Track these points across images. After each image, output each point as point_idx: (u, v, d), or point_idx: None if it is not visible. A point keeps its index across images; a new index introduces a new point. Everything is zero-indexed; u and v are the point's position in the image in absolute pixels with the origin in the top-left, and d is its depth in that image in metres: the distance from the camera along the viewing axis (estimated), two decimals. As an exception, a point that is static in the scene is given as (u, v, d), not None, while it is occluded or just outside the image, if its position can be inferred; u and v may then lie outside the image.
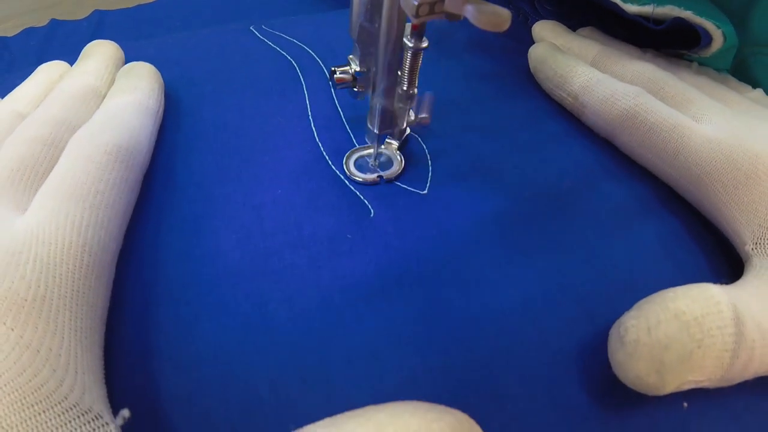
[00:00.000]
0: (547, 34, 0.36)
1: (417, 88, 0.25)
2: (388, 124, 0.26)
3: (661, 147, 0.25)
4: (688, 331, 0.17)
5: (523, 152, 0.29)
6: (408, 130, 0.29)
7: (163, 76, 0.32)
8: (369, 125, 0.27)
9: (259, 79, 0.34)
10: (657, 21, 0.30)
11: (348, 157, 0.28)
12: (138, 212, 0.25)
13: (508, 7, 0.40)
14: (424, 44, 0.23)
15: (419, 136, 0.29)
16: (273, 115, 0.31)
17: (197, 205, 0.25)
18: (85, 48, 0.32)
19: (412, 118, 0.27)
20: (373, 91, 0.26)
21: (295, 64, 0.35)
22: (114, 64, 0.31)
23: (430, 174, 0.27)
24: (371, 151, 0.28)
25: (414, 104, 0.26)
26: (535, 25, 0.37)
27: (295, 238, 0.24)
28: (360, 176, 0.27)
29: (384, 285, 0.22)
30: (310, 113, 0.31)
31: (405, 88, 0.25)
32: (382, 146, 0.29)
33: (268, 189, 0.26)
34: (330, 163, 0.28)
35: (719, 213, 0.24)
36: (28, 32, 0.48)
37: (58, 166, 0.22)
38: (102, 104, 0.27)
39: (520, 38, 0.39)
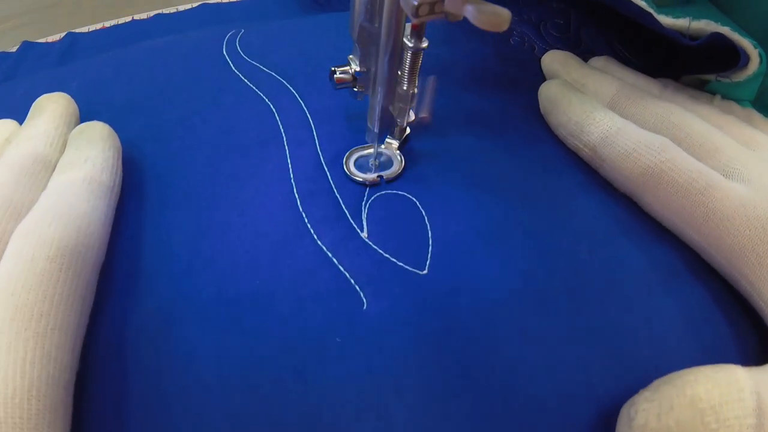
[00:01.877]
0: (558, 67, 0.32)
1: (416, 87, 0.25)
2: (388, 123, 0.26)
3: (689, 211, 0.23)
4: (702, 419, 0.16)
5: (534, 211, 0.25)
6: (408, 130, 0.29)
7: (124, 131, 0.28)
8: (369, 124, 0.27)
9: (235, 130, 0.29)
10: (692, 36, 0.27)
11: (348, 157, 0.28)
12: (96, 316, 0.21)
13: (512, 35, 0.37)
14: (424, 44, 0.23)
15: (417, 199, 0.26)
16: (250, 178, 0.27)
17: (164, 301, 0.22)
18: (35, 103, 0.28)
19: (412, 117, 0.27)
20: (373, 90, 0.26)
21: (273, 109, 0.30)
22: (66, 123, 0.27)
23: (430, 249, 0.23)
24: (371, 150, 0.28)
25: (414, 103, 0.26)
26: (544, 57, 0.34)
27: (278, 344, 0.20)
28: (360, 176, 0.27)
29: (379, 397, 0.19)
30: (291, 174, 0.27)
31: (405, 88, 0.25)
32: (382, 146, 0.28)
33: (245, 277, 0.22)
34: (316, 237, 0.24)
35: (752, 286, 0.22)
36: (1, 57, 0.45)
37: None
38: (50, 181, 0.24)
39: (528, 69, 0.35)
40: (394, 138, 0.29)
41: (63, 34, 0.49)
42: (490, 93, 0.32)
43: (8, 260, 0.19)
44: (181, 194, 0.26)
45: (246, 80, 0.32)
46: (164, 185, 0.26)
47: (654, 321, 0.22)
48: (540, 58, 0.35)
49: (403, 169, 0.28)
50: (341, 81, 0.27)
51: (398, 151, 0.28)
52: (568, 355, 0.21)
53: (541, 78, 0.33)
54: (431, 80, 0.24)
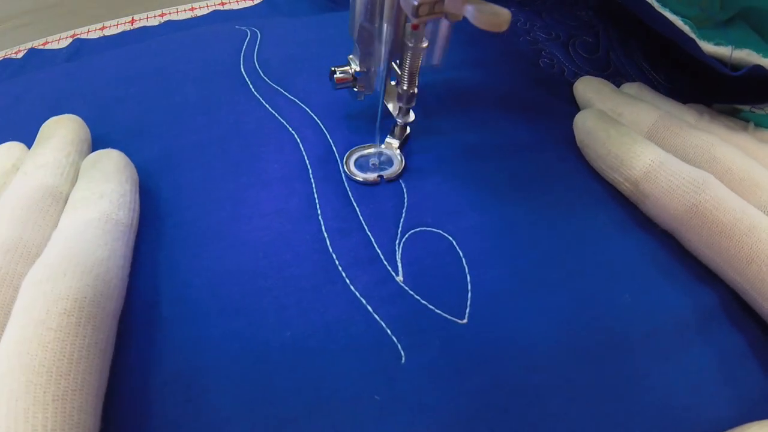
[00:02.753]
0: (592, 95, 0.31)
1: (417, 87, 0.25)
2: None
3: (733, 252, 0.22)
4: None
5: (574, 252, 0.24)
6: (408, 130, 0.29)
7: (138, 158, 0.26)
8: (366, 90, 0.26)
9: (257, 160, 0.27)
10: (734, 68, 0.27)
11: (348, 157, 0.28)
12: (116, 368, 0.19)
13: (541, 56, 0.36)
14: (424, 44, 0.23)
15: (453, 239, 0.24)
16: (276, 215, 0.25)
17: (187, 355, 0.20)
18: (42, 127, 0.26)
19: (412, 117, 0.27)
20: (373, 90, 0.26)
21: (297, 139, 0.29)
22: (77, 150, 0.25)
23: (469, 296, 0.22)
24: (371, 150, 0.28)
25: (414, 103, 0.26)
26: (577, 84, 0.32)
27: (311, 404, 0.19)
28: (360, 176, 0.27)
29: None
30: (319, 211, 0.25)
31: (405, 88, 0.25)
32: (382, 146, 0.28)
33: (274, 327, 0.21)
34: (348, 282, 0.22)
35: None
36: (5, 63, 0.43)
37: (9, 330, 0.17)
38: (62, 218, 0.22)
39: (559, 93, 0.33)
40: (394, 138, 0.28)
41: (67, 37, 0.48)
42: (522, 120, 0.31)
43: (21, 315, 0.17)
44: (200, 233, 0.24)
45: (267, 106, 0.31)
46: (182, 221, 0.25)
47: (693, 369, 0.21)
48: (570, 81, 0.34)
49: (404, 168, 0.27)
50: (341, 81, 0.27)
51: (398, 151, 0.28)
52: (611, 410, 0.20)
53: (573, 103, 0.33)
54: (445, 26, 0.23)
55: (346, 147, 0.28)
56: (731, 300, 0.23)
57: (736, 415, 0.19)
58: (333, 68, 0.26)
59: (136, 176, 0.25)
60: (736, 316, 0.23)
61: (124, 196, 0.23)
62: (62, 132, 0.26)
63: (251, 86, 0.32)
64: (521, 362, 0.20)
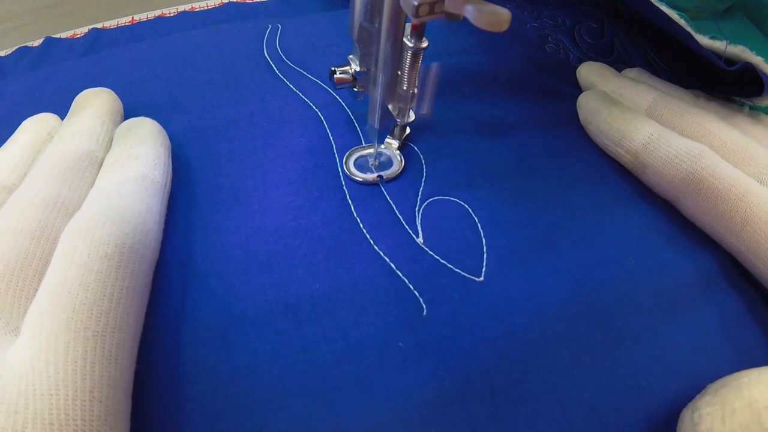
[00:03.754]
0: (595, 78, 0.33)
1: (416, 87, 0.25)
2: (388, 122, 0.26)
3: (728, 216, 0.24)
4: (759, 419, 0.17)
5: (579, 221, 0.26)
6: (408, 130, 0.29)
7: (168, 131, 0.27)
8: (370, 122, 0.27)
9: (284, 135, 0.29)
10: (729, 61, 0.28)
11: (348, 157, 0.28)
12: (151, 316, 0.20)
13: (548, 42, 0.38)
14: (424, 44, 0.23)
15: (469, 207, 0.26)
16: (303, 184, 0.26)
17: (221, 305, 0.21)
18: (76, 98, 0.27)
19: (412, 117, 0.27)
20: (373, 89, 0.26)
21: (321, 117, 0.30)
22: (111, 120, 0.27)
23: (485, 257, 0.24)
24: (371, 150, 0.28)
25: (414, 104, 0.26)
26: (580, 69, 0.34)
27: (340, 349, 0.20)
28: (360, 176, 0.27)
29: (444, 404, 0.19)
30: (343, 182, 0.27)
31: (405, 88, 0.25)
32: (382, 146, 0.28)
33: (304, 281, 0.22)
34: (372, 243, 0.24)
35: None
36: (23, 51, 0.44)
37: (50, 273, 0.18)
38: (98, 178, 0.23)
39: (564, 78, 0.35)
40: (394, 138, 0.29)
41: (68, 36, 0.47)
42: (529, 102, 0.33)
43: (63, 259, 0.18)
44: (231, 196, 0.26)
45: (292, 86, 0.32)
46: (213, 186, 0.26)
47: (695, 327, 0.23)
48: (575, 66, 0.35)
49: (403, 168, 0.27)
50: (341, 81, 0.27)
51: (398, 151, 0.28)
52: (619, 361, 0.21)
53: (577, 87, 0.34)
54: (432, 73, 0.24)
55: (360, 122, 0.29)
56: (729, 264, 0.25)
57: (735, 369, 0.20)
58: (333, 68, 0.27)
59: (168, 142, 0.26)
60: (734, 279, 0.24)
61: (158, 157, 0.24)
62: (97, 102, 0.27)
63: (275, 68, 0.33)
64: (534, 316, 0.22)
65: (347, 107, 0.31)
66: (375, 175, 0.27)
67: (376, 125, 0.26)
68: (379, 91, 0.25)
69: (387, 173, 0.27)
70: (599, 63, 0.34)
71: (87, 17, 0.53)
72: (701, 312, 0.23)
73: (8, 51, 0.44)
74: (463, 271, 0.23)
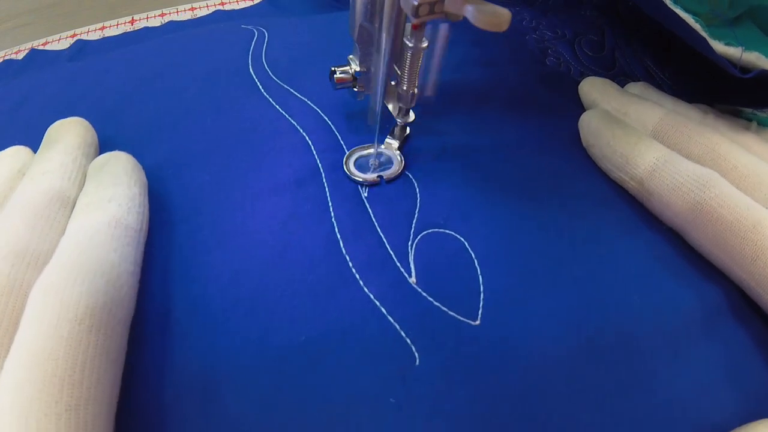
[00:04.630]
0: (597, 95, 0.31)
1: (416, 87, 0.25)
2: (388, 123, 0.26)
3: (738, 249, 0.22)
4: None
5: (582, 254, 0.24)
6: (408, 130, 0.29)
7: (146, 161, 0.26)
8: (370, 122, 0.27)
9: (269, 164, 0.27)
10: (744, 69, 0.27)
11: (348, 157, 0.28)
12: (129, 375, 0.19)
13: (548, 55, 0.37)
14: (424, 44, 0.23)
15: (465, 240, 0.24)
16: (289, 218, 0.25)
17: (202, 360, 0.20)
18: (48, 130, 0.26)
19: (412, 118, 0.27)
20: (373, 90, 0.26)
21: (308, 141, 0.28)
22: (84, 154, 0.25)
23: (482, 297, 0.22)
24: (371, 150, 0.28)
25: (414, 104, 0.26)
26: (582, 84, 0.33)
27: (327, 407, 0.19)
28: (360, 176, 0.27)
29: None
30: (332, 214, 0.25)
31: (405, 88, 0.25)
32: (382, 146, 0.28)
33: (289, 329, 0.21)
34: (362, 284, 0.22)
35: None
36: (7, 64, 0.42)
37: (18, 340, 0.17)
38: (70, 223, 0.21)
39: (566, 93, 0.34)
40: (394, 138, 0.29)
41: (67, 37, 0.47)
42: (528, 120, 0.31)
43: (30, 324, 0.17)
44: (211, 236, 0.24)
45: (278, 106, 0.30)
46: (193, 226, 0.24)
47: (700, 368, 0.22)
48: (576, 80, 0.34)
49: (403, 168, 0.27)
50: (341, 81, 0.27)
51: (398, 151, 0.28)
52: (620, 409, 0.20)
53: (579, 102, 0.33)
54: (438, 48, 0.23)
55: (351, 147, 0.28)
56: (737, 297, 0.24)
57: (743, 412, 0.20)
58: (333, 68, 0.27)
59: (144, 179, 0.25)
60: (742, 313, 0.23)
61: (133, 199, 0.23)
62: (69, 135, 0.26)
63: (260, 87, 0.32)
64: (532, 363, 0.21)
65: (336, 130, 0.29)
66: (375, 175, 0.27)
67: (376, 126, 0.26)
68: (379, 91, 0.25)
69: (387, 173, 0.27)
70: (602, 78, 0.33)
71: (87, 17, 0.53)
72: (706, 351, 0.22)
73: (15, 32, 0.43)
74: (458, 314, 0.22)
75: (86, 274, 0.18)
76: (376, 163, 0.28)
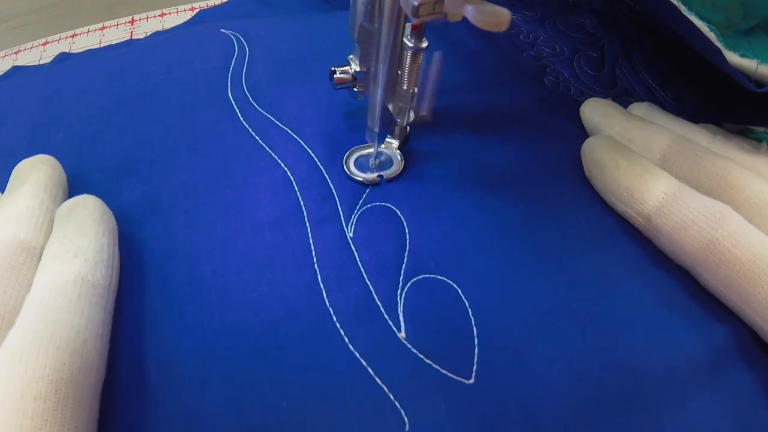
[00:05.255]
0: (600, 119, 0.29)
1: (416, 87, 0.25)
2: (388, 123, 0.26)
3: (752, 292, 0.21)
4: None
5: (584, 297, 0.23)
6: (408, 130, 0.28)
7: (119, 200, 0.24)
8: (369, 124, 0.26)
9: (247, 202, 0.25)
10: (758, 82, 0.26)
11: (348, 157, 0.28)
12: None
13: (546, 74, 0.34)
14: (424, 44, 0.23)
15: (458, 287, 0.22)
16: (267, 264, 0.23)
17: (179, 427, 0.19)
18: (15, 170, 0.24)
19: (412, 117, 0.27)
20: (373, 89, 0.25)
21: (290, 175, 0.27)
22: (51, 197, 0.24)
23: (476, 351, 0.20)
24: (371, 150, 0.28)
25: (414, 103, 0.25)
26: (584, 107, 0.31)
27: None
28: (360, 176, 0.27)
29: None
30: (315, 259, 0.23)
31: (405, 88, 0.25)
32: (382, 146, 0.28)
33: (271, 400, 0.19)
34: (347, 340, 0.21)
35: None
36: None
37: None
38: (35, 278, 0.20)
39: (566, 115, 0.32)
40: (394, 138, 0.28)
41: (66, 36, 0.47)
42: (528, 146, 0.29)
43: None
44: (186, 285, 0.22)
45: (258, 138, 0.28)
46: (167, 273, 0.23)
47: (707, 417, 0.20)
48: (576, 100, 0.32)
49: (403, 169, 0.27)
50: (341, 81, 0.26)
51: (398, 151, 0.28)
52: None
53: (581, 124, 0.31)
54: (434, 67, 0.23)
55: (345, 180, 0.27)
56: (747, 337, 0.22)
57: None
58: (333, 68, 0.26)
59: (114, 226, 0.23)
60: (752, 354, 0.22)
61: (101, 252, 0.21)
62: (35, 176, 0.24)
63: (240, 115, 0.30)
64: (531, 422, 0.19)
65: (320, 163, 0.27)
66: (375, 174, 0.27)
67: (376, 129, 0.26)
68: (380, 91, 0.25)
69: (387, 173, 0.27)
70: (604, 100, 0.31)
71: (87, 17, 0.53)
72: (715, 397, 0.21)
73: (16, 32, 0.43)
74: (450, 373, 0.20)
75: (50, 343, 0.17)
76: (377, 163, 0.27)
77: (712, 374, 0.21)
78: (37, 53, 0.50)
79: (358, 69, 0.26)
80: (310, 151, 0.28)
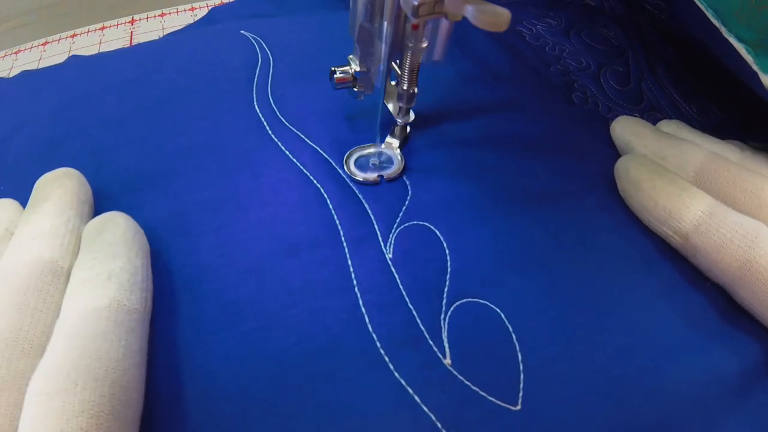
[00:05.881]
0: (632, 138, 0.29)
1: (417, 86, 0.25)
2: (388, 122, 0.27)
3: None
4: None
5: (623, 321, 0.23)
6: (408, 129, 0.29)
7: (145, 219, 0.23)
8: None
9: (280, 221, 0.24)
10: None
11: (348, 157, 0.28)
12: None
13: (574, 89, 0.34)
14: (424, 44, 0.23)
15: (501, 311, 0.22)
16: (305, 288, 0.22)
17: None
18: (37, 184, 0.23)
19: (413, 117, 0.27)
20: (373, 90, 0.26)
21: (324, 193, 0.26)
22: (77, 214, 0.22)
23: (522, 378, 0.20)
24: (371, 150, 0.28)
25: (414, 103, 0.26)
26: (614, 125, 0.31)
27: None
28: (360, 176, 0.27)
29: None
30: (355, 282, 0.22)
31: (405, 88, 0.25)
32: (382, 145, 0.28)
33: (311, 425, 0.19)
34: (392, 368, 0.20)
35: None
36: None
37: None
38: (65, 302, 0.19)
39: (595, 132, 0.31)
40: (394, 138, 0.29)
41: (67, 36, 0.46)
42: (559, 164, 0.29)
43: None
44: (220, 310, 0.21)
45: (288, 152, 0.27)
46: (198, 296, 0.22)
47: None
48: (605, 116, 0.32)
49: (404, 169, 0.27)
50: (341, 81, 0.27)
51: (398, 151, 0.28)
52: None
53: (611, 141, 0.31)
54: (444, 25, 0.22)
55: (381, 199, 0.26)
56: None
57: None
58: (333, 68, 0.27)
59: (147, 247, 0.22)
60: None
61: (135, 275, 0.20)
62: (59, 192, 0.22)
63: (268, 128, 0.29)
64: None
65: (351, 182, 0.26)
66: (376, 174, 0.27)
67: (377, 125, 0.26)
68: (380, 95, 0.25)
69: (387, 173, 0.27)
70: (634, 118, 0.30)
71: (87, 17, 0.52)
72: (746, 417, 0.20)
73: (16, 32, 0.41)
74: (497, 399, 0.19)
75: (87, 375, 0.16)
76: (377, 162, 0.28)
77: (742, 393, 0.21)
78: (37, 53, 0.49)
79: (358, 69, 0.26)
80: (340, 171, 0.27)
